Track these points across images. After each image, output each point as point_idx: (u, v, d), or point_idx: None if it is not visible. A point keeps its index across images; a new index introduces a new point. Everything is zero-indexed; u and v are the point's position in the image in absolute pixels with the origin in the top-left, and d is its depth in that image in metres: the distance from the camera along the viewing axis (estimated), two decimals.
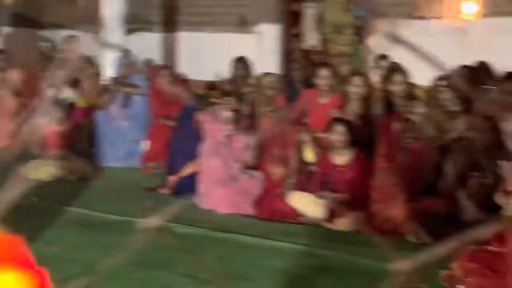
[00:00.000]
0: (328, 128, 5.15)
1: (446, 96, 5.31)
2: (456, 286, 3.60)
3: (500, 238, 3.69)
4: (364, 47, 7.73)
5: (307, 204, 5.10)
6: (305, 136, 5.50)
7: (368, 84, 5.69)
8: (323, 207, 4.97)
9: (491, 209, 4.19)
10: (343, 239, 4.62)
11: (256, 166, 5.70)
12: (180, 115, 6.22)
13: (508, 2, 7.56)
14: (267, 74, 6.18)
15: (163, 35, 8.89)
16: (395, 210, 4.68)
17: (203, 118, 5.71)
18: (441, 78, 5.42)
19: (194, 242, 4.49)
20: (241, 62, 6.71)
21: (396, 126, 4.84)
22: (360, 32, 7.79)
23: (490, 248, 3.69)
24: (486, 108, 4.72)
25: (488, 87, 5.00)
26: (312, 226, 4.98)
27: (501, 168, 3.49)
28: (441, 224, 4.42)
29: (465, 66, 6.06)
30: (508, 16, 7.48)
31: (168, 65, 7.23)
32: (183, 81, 7.23)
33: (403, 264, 0.94)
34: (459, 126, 5.00)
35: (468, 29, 7.69)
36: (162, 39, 8.89)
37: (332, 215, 4.92)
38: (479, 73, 6.11)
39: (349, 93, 5.56)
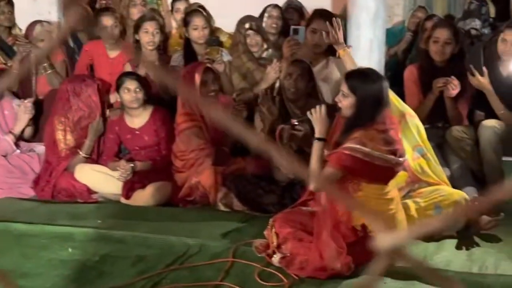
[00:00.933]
0: (117, 85, 4.97)
1: (254, 41, 5.35)
2: (273, 255, 3.65)
3: (315, 197, 3.81)
4: None
5: (99, 179, 4.93)
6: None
7: (163, 31, 5.57)
8: (119, 180, 4.82)
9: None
10: (143, 215, 4.52)
11: (34, 137, 5.39)
12: None
13: None
14: (39, 22, 5.80)
15: None
16: (201, 176, 4.66)
17: None
18: (247, 21, 5.45)
19: None
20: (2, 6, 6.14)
21: (199, 78, 4.77)
22: None
23: (305, 209, 3.79)
24: (295, 51, 4.82)
25: (298, 27, 5.12)
26: (107, 204, 4.82)
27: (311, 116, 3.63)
28: (253, 187, 4.48)
29: (275, 6, 6.15)
30: None
31: None
32: None
33: None
34: (270, 75, 5.05)
35: None
36: None
37: (129, 188, 4.79)
38: (289, 13, 6.26)
39: (141, 42, 5.40)
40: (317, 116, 3.67)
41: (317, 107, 3.67)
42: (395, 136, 3.59)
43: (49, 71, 5.61)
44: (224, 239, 4.03)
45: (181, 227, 4.24)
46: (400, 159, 3.55)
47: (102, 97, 5.18)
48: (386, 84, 3.62)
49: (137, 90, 4.90)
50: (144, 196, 4.74)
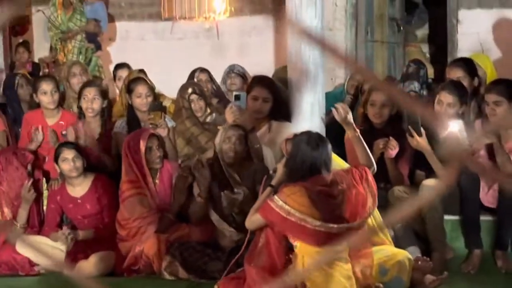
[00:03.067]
0: (55, 156, 4.97)
1: (198, 105, 5.41)
2: None
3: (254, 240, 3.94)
4: (101, 55, 7.71)
5: (41, 250, 4.88)
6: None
7: (105, 97, 5.62)
8: (61, 250, 4.79)
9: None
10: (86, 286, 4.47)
11: None
12: None
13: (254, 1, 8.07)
14: None
15: None
16: (145, 245, 4.65)
17: None
18: (189, 86, 5.54)
19: None
20: None
21: (144, 145, 4.82)
22: (95, 38, 7.76)
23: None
24: (238, 117, 4.90)
25: (239, 93, 5.22)
26: (49, 276, 4.76)
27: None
28: (199, 255, 4.49)
29: (202, 70, 6.28)
30: (256, 15, 7.98)
31: None
32: None
33: None
34: (215, 140, 5.11)
35: (219, 29, 8.03)
36: None
37: (72, 259, 4.76)
38: (232, 78, 6.38)
39: (83, 109, 5.44)
40: (278, 165, 4.03)
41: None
42: (334, 200, 3.70)
43: None
44: None
45: None
46: (330, 225, 3.66)
47: (35, 167, 5.21)
48: (324, 150, 3.79)
49: (75, 159, 4.91)
50: (87, 267, 4.69)
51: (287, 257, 3.83)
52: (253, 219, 3.87)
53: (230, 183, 4.59)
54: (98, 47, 7.80)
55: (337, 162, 4.22)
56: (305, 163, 3.77)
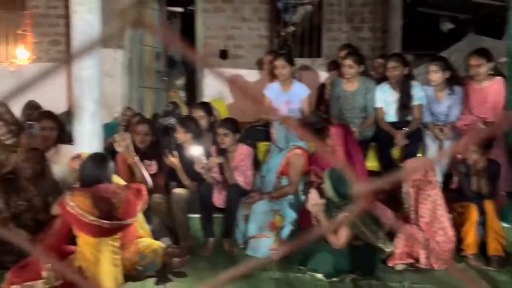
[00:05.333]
0: None
1: (1, 131, 5.03)
2: None
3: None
4: None
5: None
6: None
7: None
8: None
9: (38, 229, 4.12)
10: None
11: None
12: None
13: (55, 51, 7.74)
14: None
15: None
16: None
17: None
18: None
19: None
20: None
21: None
22: None
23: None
24: (32, 142, 4.62)
25: (32, 122, 4.94)
26: None
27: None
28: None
29: (1, 103, 5.85)
30: (54, 62, 7.62)
31: None
32: None
33: None
34: (14, 159, 4.78)
35: (22, 72, 7.55)
36: None
37: None
38: (28, 109, 6.00)
39: None
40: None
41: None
42: (111, 204, 3.69)
43: None
44: None
45: None
46: (103, 221, 3.63)
47: None
48: (107, 165, 3.86)
49: None
50: None
51: (73, 245, 3.75)
52: (54, 211, 3.97)
53: (26, 193, 4.31)
54: None
55: (117, 180, 4.17)
56: (92, 175, 3.77)
